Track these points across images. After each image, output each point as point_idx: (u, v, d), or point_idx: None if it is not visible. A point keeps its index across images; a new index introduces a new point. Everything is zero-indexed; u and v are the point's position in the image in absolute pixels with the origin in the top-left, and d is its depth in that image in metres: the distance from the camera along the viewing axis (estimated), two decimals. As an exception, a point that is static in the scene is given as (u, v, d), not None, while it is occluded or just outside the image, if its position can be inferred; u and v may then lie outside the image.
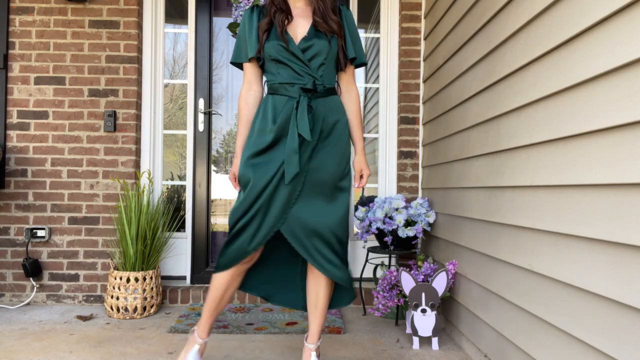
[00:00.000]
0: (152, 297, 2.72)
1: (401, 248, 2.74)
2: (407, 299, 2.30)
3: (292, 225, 1.72)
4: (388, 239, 2.66)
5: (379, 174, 3.21)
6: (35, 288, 2.93)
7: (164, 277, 3.14)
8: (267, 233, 1.71)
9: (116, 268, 2.77)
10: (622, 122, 1.16)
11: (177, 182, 3.21)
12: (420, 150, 3.08)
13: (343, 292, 1.90)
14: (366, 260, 2.82)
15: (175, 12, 3.22)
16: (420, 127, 3.08)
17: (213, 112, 3.16)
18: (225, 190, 3.21)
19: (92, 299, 2.94)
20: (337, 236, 1.75)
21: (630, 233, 1.13)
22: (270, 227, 1.70)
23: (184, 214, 3.18)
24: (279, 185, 1.70)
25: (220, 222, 3.19)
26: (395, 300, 2.40)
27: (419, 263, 2.50)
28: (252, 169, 1.72)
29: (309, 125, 1.68)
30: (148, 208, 2.78)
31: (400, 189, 3.08)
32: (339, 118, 1.81)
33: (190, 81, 3.14)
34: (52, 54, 2.96)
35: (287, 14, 1.78)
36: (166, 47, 3.21)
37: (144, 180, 3.05)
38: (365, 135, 3.28)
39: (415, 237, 2.72)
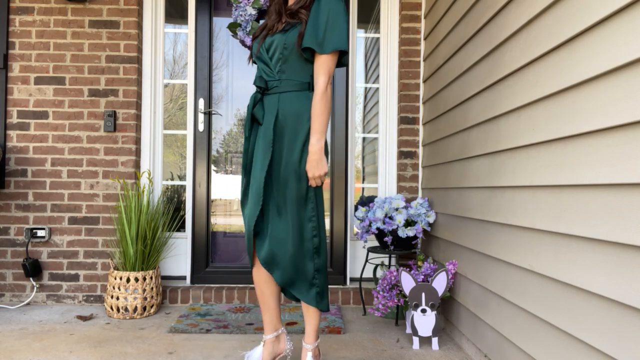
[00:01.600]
0: (152, 297, 2.72)
1: (401, 248, 2.74)
2: (407, 299, 2.30)
3: (262, 226, 1.82)
4: (388, 239, 2.66)
5: (379, 174, 3.21)
6: (35, 288, 2.93)
7: (164, 277, 3.14)
8: (249, 224, 1.80)
9: (116, 268, 2.77)
10: (622, 122, 1.16)
11: (177, 182, 3.21)
12: (420, 150, 3.09)
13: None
14: (366, 260, 2.82)
15: (175, 12, 3.22)
16: (420, 127, 3.09)
17: (213, 112, 3.16)
18: (225, 190, 3.21)
19: (92, 299, 2.94)
20: (298, 249, 1.78)
21: (630, 233, 1.13)
22: (249, 218, 1.80)
23: (184, 214, 3.18)
24: (249, 182, 1.85)
25: (220, 222, 3.19)
26: (395, 300, 2.40)
27: (419, 263, 2.50)
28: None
29: (248, 125, 1.83)
30: (148, 208, 2.78)
31: (400, 189, 3.08)
32: (297, 113, 1.77)
33: (190, 81, 3.14)
34: (52, 54, 2.96)
35: (274, 21, 1.88)
36: (166, 47, 3.21)
37: (144, 180, 3.05)
38: (365, 135, 3.28)
39: (415, 237, 2.72)
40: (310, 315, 1.84)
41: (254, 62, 1.93)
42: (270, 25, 1.84)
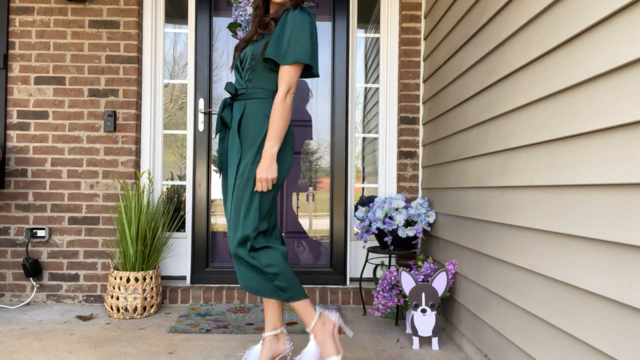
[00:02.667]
0: (152, 297, 2.72)
1: (401, 248, 2.74)
2: (407, 299, 2.30)
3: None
4: (388, 239, 2.66)
5: (379, 174, 3.21)
6: (35, 288, 2.93)
7: (164, 277, 3.14)
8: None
9: (116, 268, 2.77)
10: (622, 122, 1.16)
11: (177, 182, 3.21)
12: (420, 150, 3.09)
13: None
14: (366, 260, 2.82)
15: (175, 12, 3.22)
16: (420, 127, 3.09)
17: (213, 112, 3.16)
18: (225, 190, 3.21)
19: (92, 299, 2.94)
20: (243, 234, 1.76)
21: (630, 233, 1.13)
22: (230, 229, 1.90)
23: (184, 214, 3.18)
24: (227, 187, 1.92)
25: (220, 222, 3.19)
26: (395, 300, 2.40)
27: (419, 263, 2.50)
28: None
29: (218, 127, 1.90)
30: (148, 208, 2.78)
31: (400, 189, 3.08)
32: (256, 117, 1.81)
33: (190, 81, 3.14)
34: (52, 54, 2.96)
35: (251, 32, 1.95)
36: (166, 47, 3.21)
37: (144, 180, 3.05)
38: (365, 135, 3.28)
39: (415, 237, 2.72)
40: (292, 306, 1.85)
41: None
42: (249, 37, 1.91)
